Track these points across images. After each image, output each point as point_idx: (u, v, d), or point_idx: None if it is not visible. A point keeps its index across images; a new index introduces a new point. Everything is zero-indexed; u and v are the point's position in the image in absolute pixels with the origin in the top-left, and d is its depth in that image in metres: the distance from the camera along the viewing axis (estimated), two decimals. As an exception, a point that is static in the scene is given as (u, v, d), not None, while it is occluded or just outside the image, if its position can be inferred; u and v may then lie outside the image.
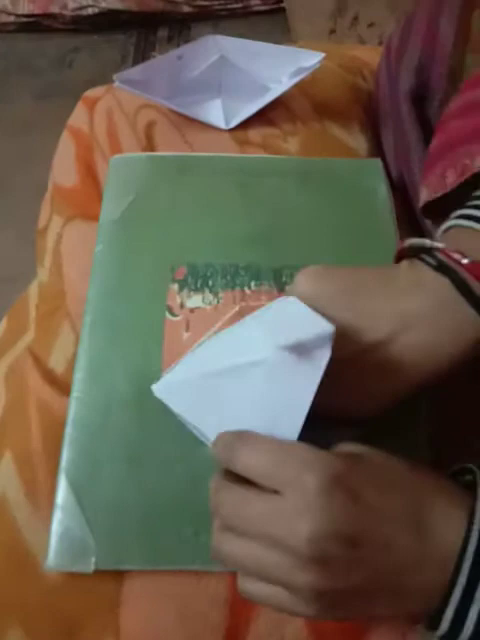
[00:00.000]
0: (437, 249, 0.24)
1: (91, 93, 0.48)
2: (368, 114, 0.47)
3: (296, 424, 0.23)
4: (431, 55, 0.40)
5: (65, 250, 0.37)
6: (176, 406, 0.27)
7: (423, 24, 0.41)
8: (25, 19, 1.35)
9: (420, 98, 0.41)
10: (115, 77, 0.40)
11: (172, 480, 0.27)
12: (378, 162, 0.39)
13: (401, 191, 0.42)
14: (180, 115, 0.42)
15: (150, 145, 0.41)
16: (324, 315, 0.23)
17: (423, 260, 0.24)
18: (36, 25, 1.37)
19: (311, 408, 0.23)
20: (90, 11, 1.33)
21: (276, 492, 0.20)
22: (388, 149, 0.44)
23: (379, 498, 0.20)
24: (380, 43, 1.01)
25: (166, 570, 0.26)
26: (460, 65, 0.39)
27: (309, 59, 0.42)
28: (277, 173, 0.37)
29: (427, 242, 0.24)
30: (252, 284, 0.32)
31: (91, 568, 0.25)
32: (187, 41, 1.35)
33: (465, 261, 0.22)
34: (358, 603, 0.20)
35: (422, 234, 0.38)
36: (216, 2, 1.37)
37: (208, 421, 0.26)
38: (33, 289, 0.40)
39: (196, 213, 0.35)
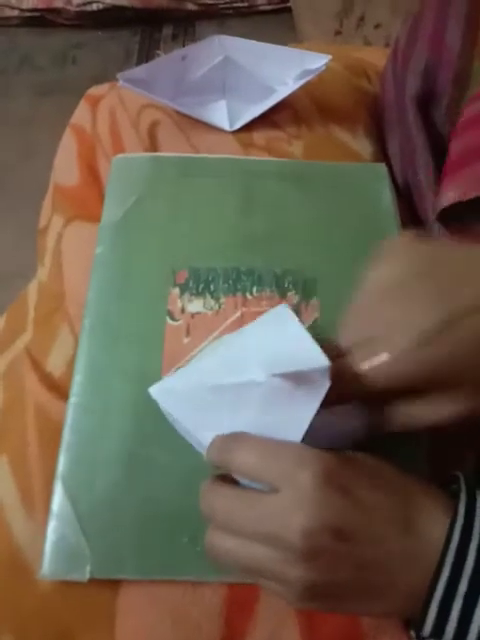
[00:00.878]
0: None
1: (94, 91, 0.47)
2: (373, 118, 0.47)
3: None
4: (438, 59, 0.40)
5: (65, 251, 0.36)
6: (171, 410, 0.27)
7: (430, 28, 0.41)
8: (29, 13, 1.35)
9: (426, 103, 0.41)
10: (119, 76, 0.39)
11: (169, 489, 0.27)
12: (383, 167, 0.39)
13: (406, 196, 0.41)
14: (184, 116, 0.42)
15: (153, 145, 0.41)
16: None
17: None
18: (40, 20, 1.36)
19: (308, 431, 0.22)
20: (95, 7, 1.33)
21: (271, 490, 0.21)
22: (393, 154, 0.44)
23: (370, 495, 0.21)
24: (386, 44, 1.00)
25: (161, 580, 0.26)
26: (467, 70, 0.38)
27: (315, 61, 0.41)
28: (281, 176, 0.37)
29: None
30: (254, 289, 0.32)
31: (86, 577, 0.25)
32: (192, 39, 1.35)
33: None
34: (347, 597, 0.21)
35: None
36: (221, 1, 1.36)
37: (203, 430, 0.26)
38: (32, 288, 0.39)
39: (198, 216, 0.35)
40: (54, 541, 0.26)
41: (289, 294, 0.32)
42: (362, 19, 1.07)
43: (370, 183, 0.37)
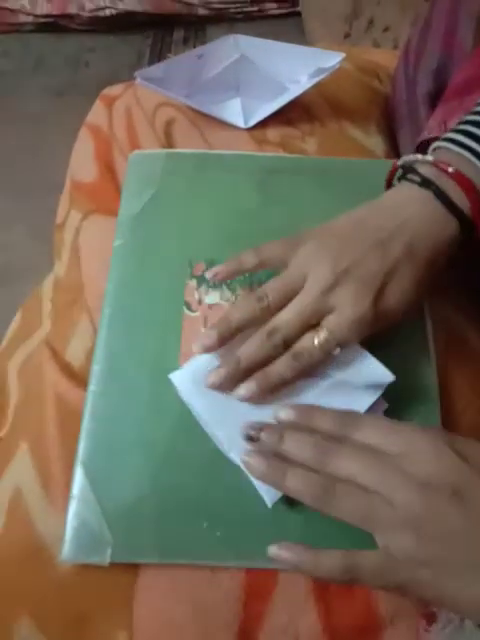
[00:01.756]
0: (426, 162, 0.28)
1: (109, 91, 0.48)
2: (385, 116, 0.47)
3: None
4: (450, 58, 0.40)
5: (83, 244, 0.37)
6: (191, 397, 0.28)
7: (441, 27, 0.41)
8: (43, 19, 1.37)
9: (438, 100, 0.41)
10: (136, 74, 0.40)
11: (188, 474, 0.27)
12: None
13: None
14: (199, 113, 0.43)
15: (169, 143, 0.42)
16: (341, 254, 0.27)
17: (409, 180, 0.29)
18: (53, 25, 1.38)
19: None
20: (107, 12, 1.35)
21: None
22: (405, 152, 0.44)
23: None
24: (395, 47, 1.01)
25: (180, 564, 0.26)
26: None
27: (329, 60, 0.42)
28: (295, 172, 0.38)
29: (419, 156, 0.29)
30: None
31: (107, 560, 0.25)
32: (202, 43, 1.36)
33: (451, 170, 0.27)
34: (445, 556, 0.21)
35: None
36: (231, 5, 1.38)
37: (220, 418, 0.27)
38: (47, 284, 0.40)
39: (214, 210, 0.35)
40: (75, 525, 0.26)
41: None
42: (371, 22, 1.08)
43: (383, 179, 0.38)
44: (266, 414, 0.26)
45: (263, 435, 0.25)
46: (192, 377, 0.28)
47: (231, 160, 0.38)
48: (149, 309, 0.31)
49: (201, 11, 1.38)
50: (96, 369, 0.30)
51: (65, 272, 0.37)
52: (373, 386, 0.27)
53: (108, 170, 0.40)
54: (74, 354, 0.32)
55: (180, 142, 0.42)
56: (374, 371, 0.27)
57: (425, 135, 0.36)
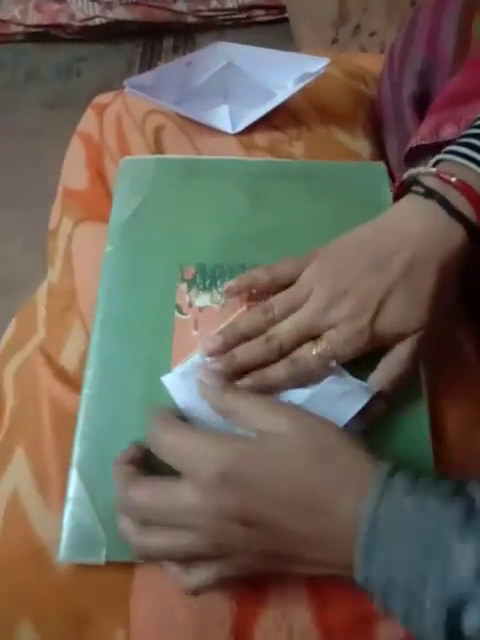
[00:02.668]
0: (429, 174, 0.29)
1: (100, 99, 0.49)
2: (371, 119, 0.48)
3: None
4: (433, 61, 0.41)
5: (76, 251, 0.37)
6: (183, 398, 0.28)
7: (425, 30, 0.42)
8: (33, 29, 1.38)
9: (422, 102, 0.42)
10: (126, 82, 0.41)
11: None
12: (382, 165, 0.40)
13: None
14: (188, 120, 0.43)
15: (158, 149, 0.42)
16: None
17: (414, 192, 0.29)
18: (44, 35, 1.39)
19: None
20: (97, 22, 1.36)
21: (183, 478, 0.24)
22: (391, 154, 0.45)
23: (271, 482, 0.23)
24: (381, 51, 1.02)
25: (175, 563, 0.26)
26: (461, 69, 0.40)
27: (314, 65, 0.43)
28: (283, 176, 0.38)
29: (422, 169, 0.29)
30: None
31: (102, 560, 0.26)
32: (192, 51, 1.37)
33: (454, 179, 0.28)
34: (263, 562, 0.23)
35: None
36: (220, 13, 1.39)
37: (212, 420, 0.27)
38: (41, 292, 0.40)
39: (204, 215, 0.36)
40: (71, 526, 0.27)
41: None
42: (358, 27, 1.09)
43: (370, 181, 0.39)
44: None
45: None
46: (184, 380, 0.28)
47: (220, 165, 0.39)
48: (140, 313, 0.32)
49: (190, 19, 1.40)
50: (89, 373, 0.30)
51: (58, 279, 0.38)
52: (354, 399, 0.27)
53: (99, 177, 0.41)
54: (68, 359, 0.33)
55: (169, 148, 0.42)
56: (355, 386, 0.28)
57: (415, 142, 0.36)
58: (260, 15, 1.40)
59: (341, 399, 0.27)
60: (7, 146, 1.16)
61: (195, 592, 0.24)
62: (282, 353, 0.28)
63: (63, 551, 0.26)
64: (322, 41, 1.10)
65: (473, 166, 0.28)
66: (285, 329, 0.28)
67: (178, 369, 0.29)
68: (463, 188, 0.27)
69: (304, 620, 0.26)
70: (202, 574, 0.23)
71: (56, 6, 1.36)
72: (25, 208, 1.02)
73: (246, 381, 0.28)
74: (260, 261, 0.34)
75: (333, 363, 0.27)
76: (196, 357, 0.29)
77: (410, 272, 0.27)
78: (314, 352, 0.27)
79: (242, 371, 0.28)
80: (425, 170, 0.29)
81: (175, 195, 0.37)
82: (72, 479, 0.27)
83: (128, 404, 0.29)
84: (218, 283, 0.33)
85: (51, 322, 0.36)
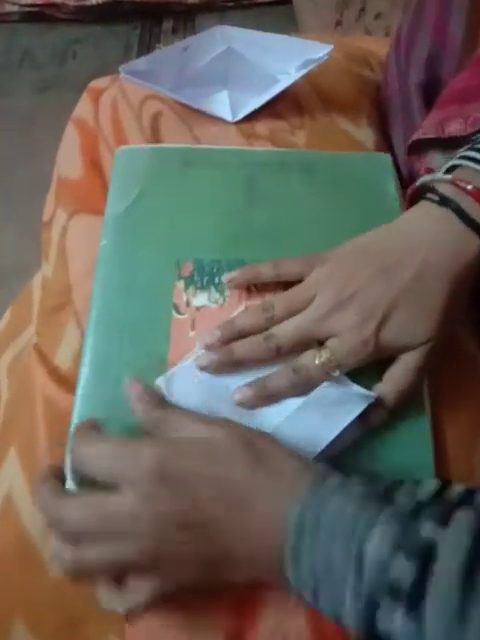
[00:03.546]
0: (444, 181, 0.28)
1: (95, 84, 0.47)
2: (375, 106, 0.46)
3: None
4: (442, 47, 0.40)
5: (70, 244, 0.36)
6: (177, 401, 0.27)
7: (433, 16, 0.41)
8: (28, 9, 1.34)
9: (430, 90, 0.40)
10: (121, 68, 0.39)
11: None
12: (387, 157, 0.38)
13: (410, 184, 0.41)
14: (186, 107, 0.42)
15: (155, 137, 0.41)
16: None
17: (428, 199, 0.28)
18: (39, 15, 1.36)
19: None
20: (94, 1, 1.32)
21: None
22: (397, 143, 0.43)
23: (200, 480, 0.22)
24: (387, 34, 1.00)
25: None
26: (471, 56, 0.38)
27: (317, 51, 0.41)
28: (285, 167, 0.37)
29: (437, 176, 0.28)
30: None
31: (96, 566, 0.25)
32: (192, 33, 1.34)
33: (469, 187, 0.27)
34: (197, 569, 0.22)
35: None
36: (221, -7, 1.36)
37: None
38: (36, 282, 0.40)
39: (202, 207, 0.35)
40: (64, 531, 0.26)
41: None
42: (363, 10, 1.06)
43: (375, 173, 0.37)
44: (253, 422, 0.26)
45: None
46: (180, 382, 0.28)
47: (219, 156, 0.37)
48: (136, 312, 0.31)
49: (190, 0, 1.36)
50: (83, 373, 0.29)
51: (52, 273, 0.37)
52: (351, 406, 0.26)
53: (94, 166, 0.40)
54: (62, 358, 0.32)
55: (167, 136, 0.41)
56: (353, 392, 0.27)
57: (418, 135, 0.35)
58: (263, -4, 1.36)
59: (337, 405, 0.26)
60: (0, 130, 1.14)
61: (131, 614, 0.23)
62: (279, 353, 0.28)
63: (56, 556, 0.26)
64: (325, 24, 1.07)
65: None
66: (285, 331, 0.28)
67: (174, 371, 0.28)
68: (479, 197, 0.26)
69: (299, 628, 0.25)
70: (137, 592, 0.22)
71: (51, -15, 1.32)
72: (19, 195, 1.00)
73: (246, 392, 0.27)
74: (259, 257, 0.33)
75: (336, 373, 0.27)
76: (192, 359, 0.28)
77: (420, 282, 0.27)
78: (317, 362, 0.27)
79: (238, 366, 0.28)
80: (440, 177, 0.28)
81: (172, 186, 0.36)
82: (66, 484, 0.27)
83: (122, 406, 0.28)
84: (216, 281, 0.32)
85: (45, 319, 0.35)
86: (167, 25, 1.38)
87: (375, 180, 0.37)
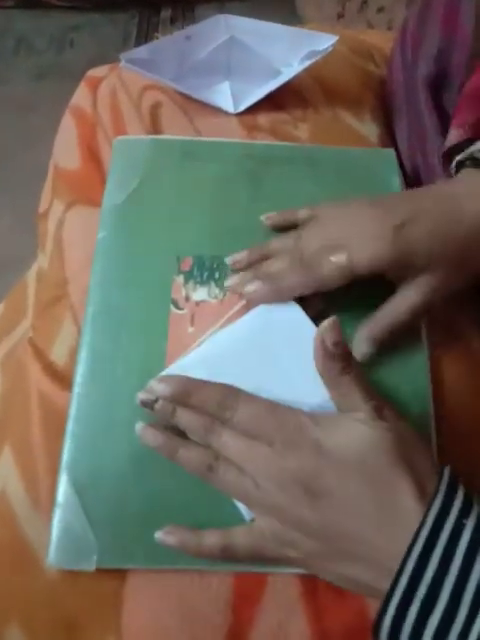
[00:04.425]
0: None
1: (94, 72, 0.46)
2: (379, 100, 0.46)
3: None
4: (451, 41, 0.39)
5: (67, 236, 0.35)
6: None
7: (441, 9, 0.40)
8: (24, -5, 1.32)
9: (438, 86, 0.40)
10: (121, 56, 0.38)
11: (174, 478, 0.26)
12: (392, 152, 0.38)
13: (414, 180, 0.40)
14: (186, 97, 0.41)
15: (155, 127, 0.40)
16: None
17: (466, 166, 0.30)
18: (36, 2, 1.33)
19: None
20: (91, -11, 1.30)
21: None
22: (401, 138, 0.43)
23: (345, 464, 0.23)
24: (389, 28, 0.99)
25: (168, 569, 0.25)
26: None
27: (322, 42, 0.40)
28: (287, 161, 0.36)
29: (473, 148, 0.29)
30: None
31: (93, 566, 0.25)
32: (191, 23, 1.32)
33: None
34: (304, 545, 0.23)
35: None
36: (221, -18, 1.33)
37: None
38: (31, 275, 0.39)
39: (202, 201, 0.34)
40: (60, 531, 0.25)
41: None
42: (365, 2, 1.05)
43: (379, 169, 0.37)
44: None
45: (157, 406, 0.26)
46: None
47: (221, 149, 0.36)
48: (134, 307, 0.30)
49: (190, -11, 1.34)
50: (80, 370, 0.29)
51: (49, 265, 0.36)
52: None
53: (92, 157, 0.39)
54: (58, 354, 0.31)
55: (167, 127, 0.40)
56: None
57: (452, 141, 0.34)
58: (263, -14, 1.34)
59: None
60: (-5, 120, 1.12)
61: (206, 555, 0.24)
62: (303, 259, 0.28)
63: (52, 557, 0.25)
64: (327, 16, 1.06)
65: None
66: (310, 242, 0.28)
67: (173, 368, 0.28)
68: None
69: (300, 629, 0.25)
70: (214, 541, 0.24)
71: (48, -29, 1.30)
72: (15, 185, 0.98)
73: (257, 284, 0.28)
74: (261, 252, 0.32)
75: (349, 275, 0.27)
76: (192, 355, 0.28)
77: (443, 210, 0.27)
78: (332, 258, 0.27)
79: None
80: (476, 147, 0.29)
81: (172, 179, 0.35)
82: (61, 483, 0.26)
83: (120, 405, 0.28)
84: (216, 276, 0.31)
85: (41, 313, 0.34)
86: (165, 14, 1.36)
87: (379, 175, 0.36)
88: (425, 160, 0.38)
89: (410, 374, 0.29)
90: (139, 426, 0.26)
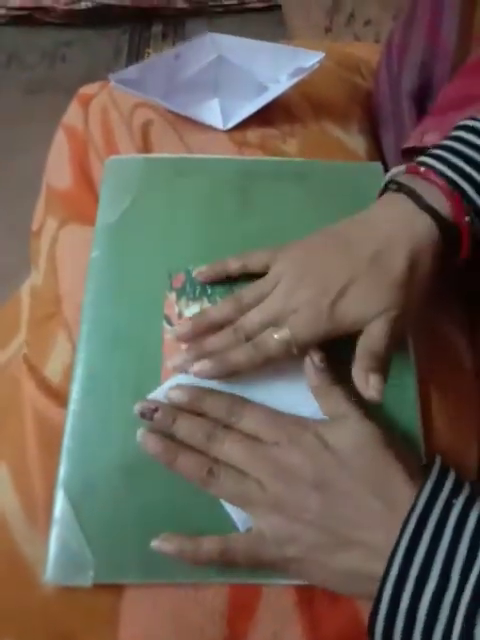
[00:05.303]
0: (401, 172, 0.30)
1: (85, 90, 0.46)
2: (366, 113, 0.47)
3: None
4: (434, 52, 0.40)
5: (60, 255, 0.36)
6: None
7: (425, 21, 0.41)
8: (16, 12, 1.33)
9: (422, 97, 0.41)
10: (110, 77, 0.39)
11: (170, 493, 0.26)
12: (379, 166, 0.39)
13: None
14: (177, 115, 0.42)
15: (146, 145, 0.41)
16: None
17: (389, 189, 0.30)
18: (28, 19, 1.34)
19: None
20: (83, 5, 1.31)
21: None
22: (388, 150, 0.44)
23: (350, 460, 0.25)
24: (376, 41, 1.00)
25: (163, 583, 0.26)
26: (464, 62, 0.38)
27: (308, 59, 0.41)
28: (277, 176, 0.37)
29: (401, 168, 0.30)
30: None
31: (89, 582, 0.25)
32: (182, 38, 1.34)
33: (422, 169, 0.28)
34: (306, 536, 0.24)
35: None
36: (211, -2, 1.36)
37: None
38: (25, 290, 0.39)
39: (194, 217, 0.35)
40: (57, 547, 0.26)
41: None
42: (352, 16, 1.07)
43: (367, 182, 0.37)
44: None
45: (157, 416, 0.27)
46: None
47: (210, 165, 0.37)
48: (128, 325, 0.30)
49: (180, 4, 1.36)
50: (75, 388, 0.29)
51: (42, 282, 0.36)
52: None
53: (84, 176, 0.39)
54: (53, 370, 0.31)
55: (158, 144, 0.41)
56: None
57: (409, 143, 0.36)
58: (252, 2, 1.37)
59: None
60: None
61: (204, 561, 0.25)
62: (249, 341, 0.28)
63: (49, 573, 0.25)
64: (315, 29, 1.07)
65: (445, 154, 0.28)
66: (252, 319, 0.29)
67: (167, 385, 0.28)
68: (431, 177, 0.28)
69: (296, 638, 0.25)
70: (212, 546, 0.25)
71: (40, -12, 1.31)
72: (6, 198, 0.99)
73: (205, 364, 0.27)
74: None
75: (294, 350, 0.27)
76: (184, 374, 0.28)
77: (377, 260, 0.27)
78: (275, 336, 0.27)
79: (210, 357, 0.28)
80: (399, 169, 0.30)
81: (164, 197, 0.35)
82: (58, 499, 0.26)
83: (115, 422, 0.28)
84: (208, 292, 0.32)
85: (35, 330, 0.34)
86: (156, 29, 1.37)
87: (367, 189, 0.37)
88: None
89: (397, 378, 0.29)
90: (141, 432, 0.27)
